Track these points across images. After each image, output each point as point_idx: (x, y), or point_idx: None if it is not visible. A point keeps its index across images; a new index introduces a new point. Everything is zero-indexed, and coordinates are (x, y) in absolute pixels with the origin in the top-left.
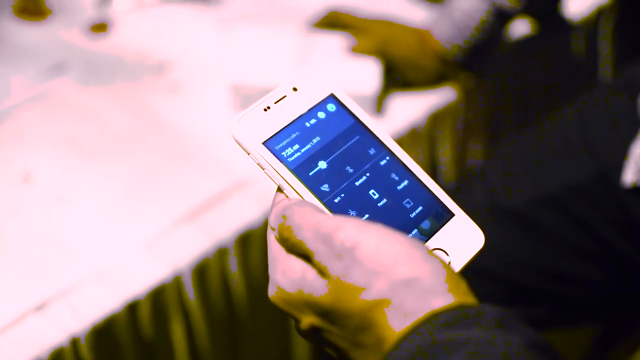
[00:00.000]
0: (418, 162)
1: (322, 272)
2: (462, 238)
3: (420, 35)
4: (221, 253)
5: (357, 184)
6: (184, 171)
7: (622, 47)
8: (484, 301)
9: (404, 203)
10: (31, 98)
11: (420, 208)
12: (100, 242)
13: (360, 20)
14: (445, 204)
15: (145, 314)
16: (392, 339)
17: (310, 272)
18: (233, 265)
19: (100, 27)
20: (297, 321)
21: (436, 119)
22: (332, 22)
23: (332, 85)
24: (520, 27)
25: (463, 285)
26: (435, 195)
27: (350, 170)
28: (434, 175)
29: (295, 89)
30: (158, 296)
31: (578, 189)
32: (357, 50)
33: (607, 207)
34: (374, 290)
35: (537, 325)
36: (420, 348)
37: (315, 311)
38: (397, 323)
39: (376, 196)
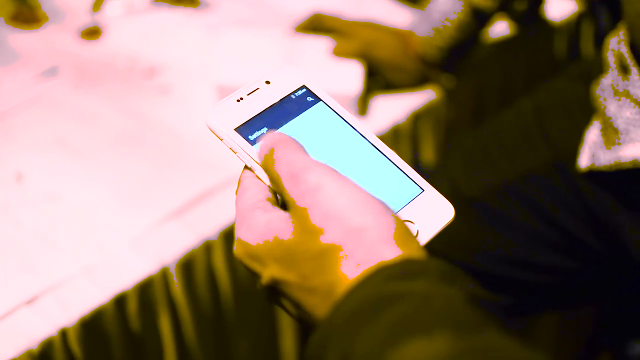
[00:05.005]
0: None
1: (291, 213)
2: (432, 211)
3: (402, 37)
4: (207, 247)
5: (325, 162)
6: (171, 171)
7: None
8: None
9: (372, 179)
10: (24, 101)
11: (388, 184)
12: (88, 239)
13: (344, 23)
14: (414, 180)
15: (132, 307)
16: (342, 286)
17: (275, 219)
18: (218, 259)
19: (92, 32)
20: (259, 276)
21: (417, 118)
22: (315, 25)
23: (304, 77)
24: (502, 28)
25: (414, 242)
26: (404, 172)
27: (320, 150)
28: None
29: (268, 82)
30: (145, 289)
31: (536, 177)
32: (340, 53)
33: (565, 195)
34: (329, 234)
35: (505, 313)
36: (364, 300)
37: (277, 256)
38: (349, 272)
39: (344, 174)
